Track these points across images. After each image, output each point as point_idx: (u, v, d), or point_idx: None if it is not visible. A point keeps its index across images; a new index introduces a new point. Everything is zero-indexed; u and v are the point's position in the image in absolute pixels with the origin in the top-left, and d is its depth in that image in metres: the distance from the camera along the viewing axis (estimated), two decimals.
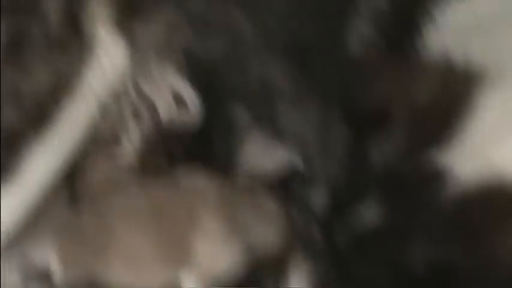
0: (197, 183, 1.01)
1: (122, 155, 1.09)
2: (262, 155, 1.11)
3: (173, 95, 1.13)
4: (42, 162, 1.03)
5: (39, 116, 1.04)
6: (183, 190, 1.01)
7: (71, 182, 1.08)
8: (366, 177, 0.85)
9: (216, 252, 0.96)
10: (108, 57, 1.10)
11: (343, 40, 1.06)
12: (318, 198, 1.05)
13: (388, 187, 0.82)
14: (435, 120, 0.82)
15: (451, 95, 0.83)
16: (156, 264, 0.96)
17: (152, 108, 1.12)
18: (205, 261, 0.95)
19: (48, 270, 0.99)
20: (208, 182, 1.02)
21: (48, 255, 0.99)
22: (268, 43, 1.09)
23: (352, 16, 1.06)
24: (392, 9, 1.05)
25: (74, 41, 1.08)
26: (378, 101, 0.85)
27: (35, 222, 1.02)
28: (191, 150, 1.09)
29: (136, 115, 1.10)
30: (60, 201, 1.05)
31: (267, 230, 0.99)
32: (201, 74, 1.12)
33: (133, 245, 0.97)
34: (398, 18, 1.04)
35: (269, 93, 1.09)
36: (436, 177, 0.80)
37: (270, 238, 0.99)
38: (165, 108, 1.13)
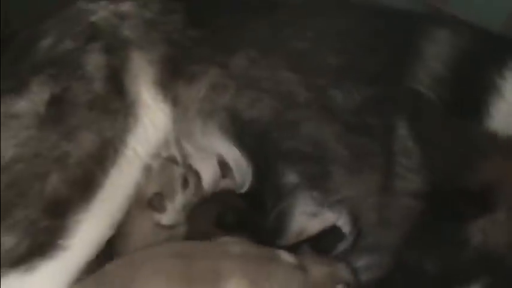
0: (235, 250, 0.99)
1: (166, 221, 1.07)
2: (311, 220, 1.08)
3: (218, 160, 1.10)
4: (89, 230, 1.01)
5: (84, 182, 1.01)
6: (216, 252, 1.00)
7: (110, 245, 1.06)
8: (466, 259, 0.82)
9: None
10: (152, 120, 1.07)
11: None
12: (370, 267, 1.02)
13: (497, 274, 0.79)
14: None
15: None
16: None
17: (198, 175, 1.10)
18: None
19: None
20: (245, 251, 1.00)
21: None
22: (322, 105, 1.05)
23: (410, 83, 1.02)
24: (453, 76, 1.01)
25: (116, 102, 1.05)
26: (481, 183, 0.81)
27: None
28: (241, 217, 1.06)
29: (183, 181, 1.08)
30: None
31: None
32: (249, 135, 1.08)
33: None
34: (460, 87, 1.00)
35: (321, 156, 1.05)
36: None
37: None
38: (211, 174, 1.11)
